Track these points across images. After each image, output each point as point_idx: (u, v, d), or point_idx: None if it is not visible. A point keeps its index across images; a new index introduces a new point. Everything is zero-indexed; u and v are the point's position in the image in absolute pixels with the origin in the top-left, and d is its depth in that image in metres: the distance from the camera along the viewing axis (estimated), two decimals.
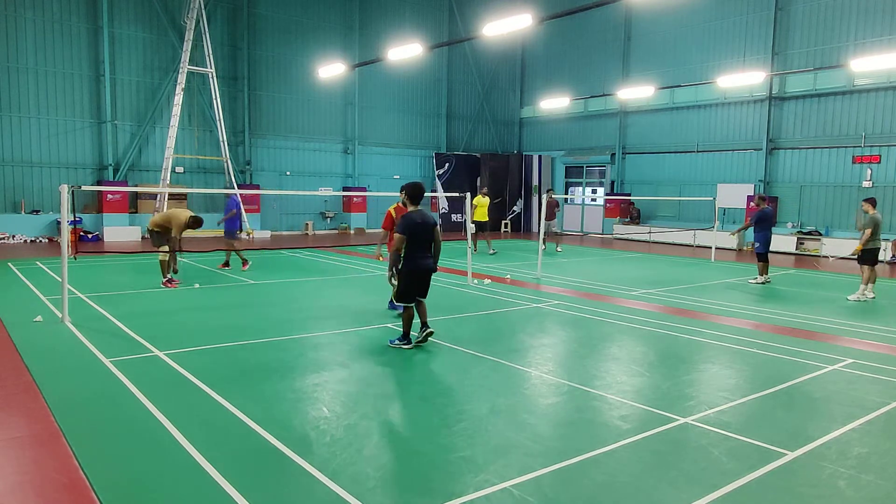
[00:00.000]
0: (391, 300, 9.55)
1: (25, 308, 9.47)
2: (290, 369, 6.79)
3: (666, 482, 4.30)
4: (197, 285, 12.04)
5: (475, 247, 17.05)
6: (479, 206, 18.22)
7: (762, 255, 13.59)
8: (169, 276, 11.92)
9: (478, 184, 29.59)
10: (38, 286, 11.50)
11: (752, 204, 14.07)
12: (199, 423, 5.17)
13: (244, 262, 14.19)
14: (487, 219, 18.46)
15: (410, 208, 7.60)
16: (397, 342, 7.62)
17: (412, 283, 7.46)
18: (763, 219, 13.56)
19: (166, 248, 11.64)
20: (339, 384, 6.31)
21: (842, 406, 5.91)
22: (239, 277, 13.12)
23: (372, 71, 26.70)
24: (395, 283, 7.63)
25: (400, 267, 7.47)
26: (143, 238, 21.68)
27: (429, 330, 7.67)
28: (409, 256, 7.40)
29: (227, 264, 14.35)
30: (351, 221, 27.18)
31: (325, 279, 13.65)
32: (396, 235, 7.36)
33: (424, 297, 7.71)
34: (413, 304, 7.55)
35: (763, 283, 13.56)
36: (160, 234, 11.56)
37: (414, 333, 7.69)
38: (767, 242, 13.61)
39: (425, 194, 7.95)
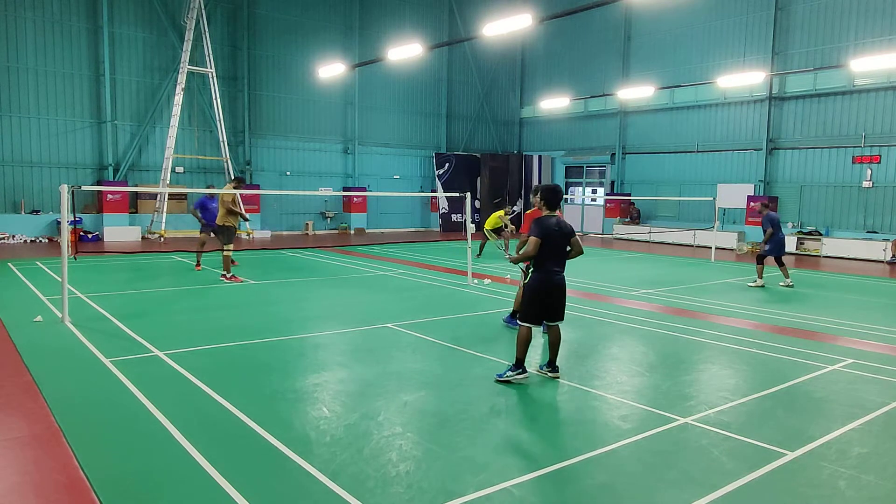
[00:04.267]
0: (510, 315, 9.00)
1: (25, 308, 9.47)
2: (291, 369, 6.79)
3: (666, 482, 4.30)
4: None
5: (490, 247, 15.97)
6: (494, 217, 17.27)
7: (763, 258, 13.43)
8: (230, 273, 12.69)
9: (478, 184, 29.60)
10: (38, 286, 11.49)
11: (757, 209, 13.63)
12: (200, 422, 5.17)
13: (198, 264, 14.24)
14: (503, 224, 16.91)
15: (545, 212, 6.57)
16: (508, 374, 6.38)
17: (539, 299, 6.41)
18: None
19: (231, 245, 12.55)
20: (339, 384, 6.31)
21: (842, 406, 5.91)
22: (239, 277, 13.11)
23: (372, 71, 26.70)
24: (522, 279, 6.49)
25: (527, 280, 6.52)
26: (143, 238, 21.69)
27: (555, 374, 6.57)
28: (540, 268, 6.40)
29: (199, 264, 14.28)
30: (351, 221, 27.17)
31: (325, 279, 13.64)
32: (531, 239, 6.32)
33: (558, 318, 6.57)
34: (533, 327, 6.45)
35: (762, 286, 13.41)
36: (227, 229, 12.43)
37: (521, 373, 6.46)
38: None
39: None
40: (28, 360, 6.83)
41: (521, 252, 6.47)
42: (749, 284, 13.56)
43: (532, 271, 6.50)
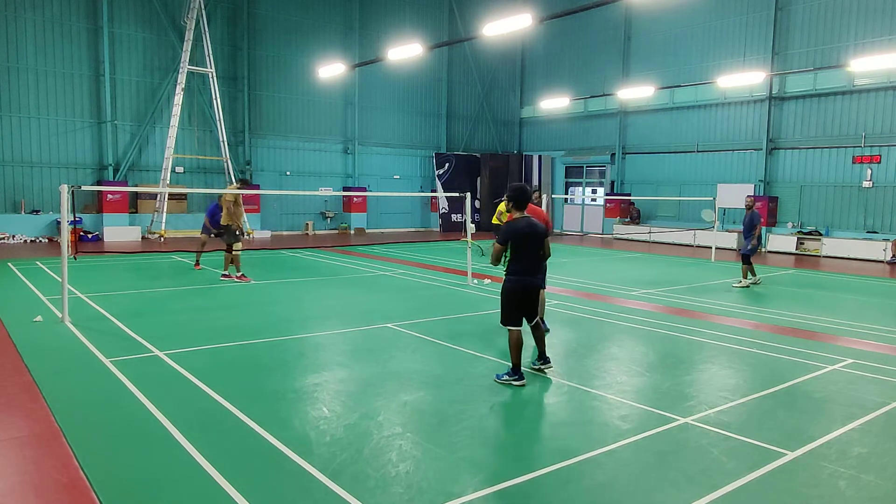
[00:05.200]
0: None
1: (25, 308, 9.47)
2: (291, 369, 6.80)
3: (666, 482, 4.30)
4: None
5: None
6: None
7: (748, 257, 13.33)
8: (229, 272, 12.71)
9: (478, 184, 29.59)
10: (38, 286, 11.49)
11: (748, 203, 13.53)
12: (200, 422, 5.17)
13: (198, 263, 14.30)
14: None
15: (516, 215, 6.41)
16: (506, 377, 6.32)
17: (515, 301, 6.34)
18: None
19: (239, 244, 12.60)
20: (339, 384, 6.32)
21: (842, 406, 5.91)
22: (248, 277, 13.10)
23: (372, 71, 26.70)
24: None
25: (502, 285, 6.47)
26: (142, 238, 21.69)
27: (548, 364, 6.66)
28: (513, 271, 6.33)
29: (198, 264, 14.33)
30: (351, 221, 27.18)
31: (325, 279, 13.65)
32: (496, 246, 6.31)
33: (531, 319, 6.57)
34: (520, 328, 6.34)
35: (748, 285, 13.23)
36: (230, 229, 12.49)
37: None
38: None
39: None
40: (28, 360, 6.83)
41: (492, 255, 6.45)
42: (735, 285, 13.37)
43: (506, 274, 6.44)
